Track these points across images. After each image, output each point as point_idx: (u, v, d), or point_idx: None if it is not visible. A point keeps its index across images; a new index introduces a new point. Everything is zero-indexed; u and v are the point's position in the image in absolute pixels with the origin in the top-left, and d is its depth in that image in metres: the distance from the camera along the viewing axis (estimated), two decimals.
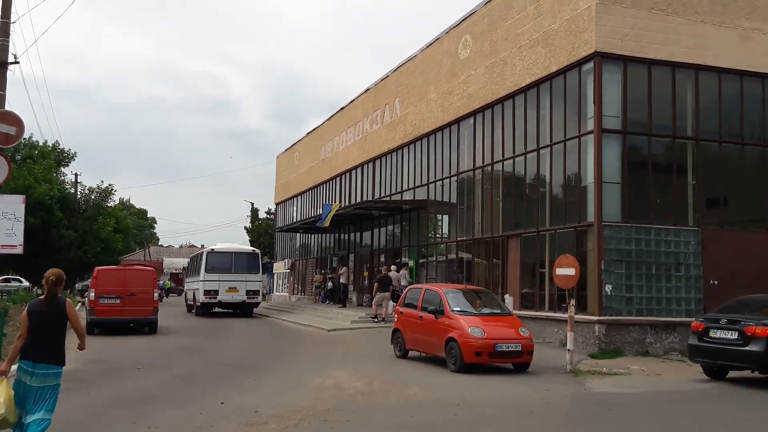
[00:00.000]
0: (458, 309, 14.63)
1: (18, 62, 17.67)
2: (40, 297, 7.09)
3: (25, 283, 48.53)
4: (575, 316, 14.94)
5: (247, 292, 30.72)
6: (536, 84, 19.92)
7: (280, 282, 47.84)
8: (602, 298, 17.01)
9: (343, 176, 35.92)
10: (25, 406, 6.67)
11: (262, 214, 64.26)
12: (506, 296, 20.17)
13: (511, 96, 21.05)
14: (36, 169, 38.90)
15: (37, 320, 6.81)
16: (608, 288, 17.08)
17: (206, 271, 30.49)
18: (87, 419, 9.25)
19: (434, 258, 25.91)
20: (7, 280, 49.53)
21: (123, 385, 12.11)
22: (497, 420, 9.63)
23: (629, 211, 17.73)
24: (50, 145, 44.06)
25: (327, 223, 29.26)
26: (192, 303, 33.29)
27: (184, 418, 9.25)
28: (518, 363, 14.11)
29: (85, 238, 41.59)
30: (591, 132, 17.73)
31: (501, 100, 21.56)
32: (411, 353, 16.15)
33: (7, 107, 15.49)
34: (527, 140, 20.46)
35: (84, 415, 9.42)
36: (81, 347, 7.30)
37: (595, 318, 16.95)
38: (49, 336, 6.83)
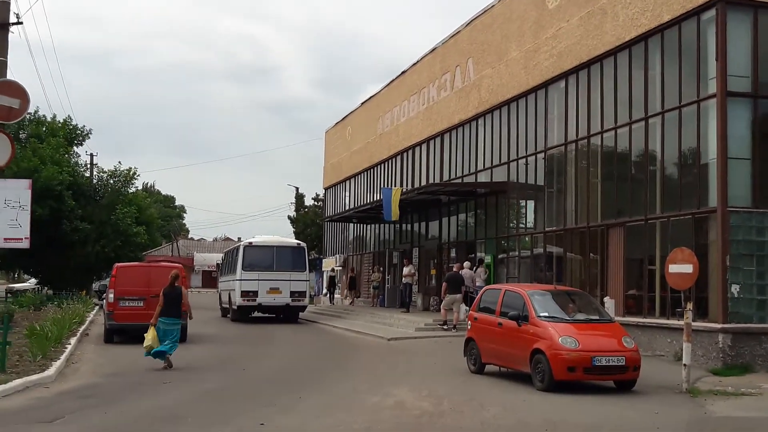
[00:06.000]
0: (546, 315, 14.58)
1: (21, 23, 18.22)
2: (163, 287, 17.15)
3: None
4: (693, 324, 14.76)
5: (292, 294, 31.15)
6: (644, 38, 19.70)
7: None
8: (727, 302, 16.82)
9: (405, 154, 36.02)
10: (162, 340, 16.40)
11: (308, 201, 65.09)
12: (606, 299, 20.02)
13: (613, 53, 20.87)
14: (43, 149, 40.02)
15: (167, 297, 16.70)
16: (735, 289, 16.88)
17: (243, 268, 31.02)
18: None
19: (516, 253, 25.83)
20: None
21: (146, 403, 12.45)
22: None
23: (762, 194, 17.50)
24: (60, 121, 45.44)
25: (396, 216, 28.99)
26: (227, 306, 33.96)
27: None
28: (621, 380, 14.07)
29: (102, 231, 42.55)
30: (713, 96, 17.49)
31: (599, 59, 21.40)
32: (488, 367, 16.18)
33: (9, 76, 16.01)
34: (632, 107, 20.26)
35: None
36: (190, 317, 18.33)
37: (719, 326, 16.77)
38: (172, 304, 16.77)
